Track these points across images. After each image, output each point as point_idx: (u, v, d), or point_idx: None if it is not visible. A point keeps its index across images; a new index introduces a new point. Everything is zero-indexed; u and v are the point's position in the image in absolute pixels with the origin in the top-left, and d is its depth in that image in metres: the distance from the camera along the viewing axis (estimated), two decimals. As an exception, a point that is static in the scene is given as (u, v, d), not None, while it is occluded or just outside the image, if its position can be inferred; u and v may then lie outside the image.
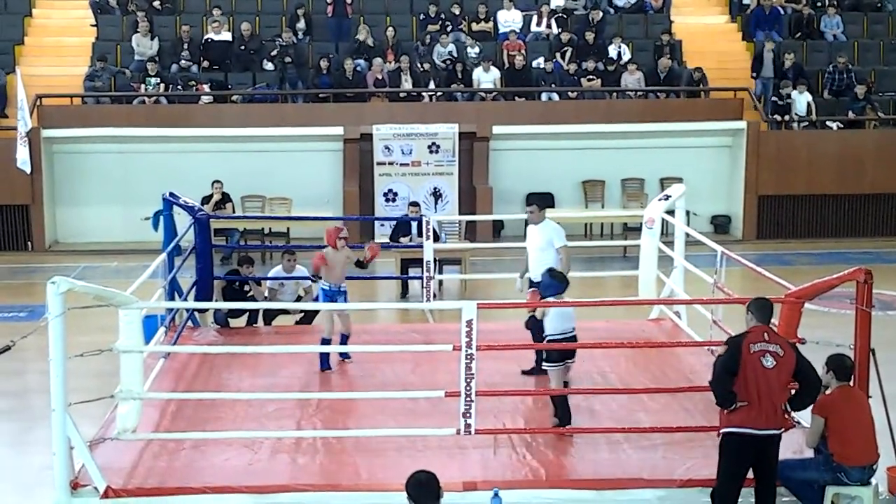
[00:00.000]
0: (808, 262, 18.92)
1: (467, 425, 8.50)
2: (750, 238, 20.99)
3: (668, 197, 12.87)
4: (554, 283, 9.22)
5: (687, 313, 12.13)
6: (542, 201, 10.91)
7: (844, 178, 21.06)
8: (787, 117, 21.47)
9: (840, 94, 21.90)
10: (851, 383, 8.21)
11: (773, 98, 21.54)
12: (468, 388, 8.42)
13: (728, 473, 7.70)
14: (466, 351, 8.36)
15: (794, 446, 8.52)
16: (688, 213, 13.31)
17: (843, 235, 21.08)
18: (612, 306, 13.24)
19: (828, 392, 8.08)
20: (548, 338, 9.21)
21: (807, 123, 21.59)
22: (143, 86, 21.05)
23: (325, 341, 10.80)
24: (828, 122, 21.60)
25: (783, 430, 7.78)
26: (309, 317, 12.83)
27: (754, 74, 22.04)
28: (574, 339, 9.22)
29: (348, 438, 8.93)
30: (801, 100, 21.46)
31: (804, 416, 8.59)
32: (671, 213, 12.79)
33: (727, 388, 7.57)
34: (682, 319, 12.14)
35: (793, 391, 7.87)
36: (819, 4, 24.15)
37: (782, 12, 23.78)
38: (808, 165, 21.04)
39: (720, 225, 21.58)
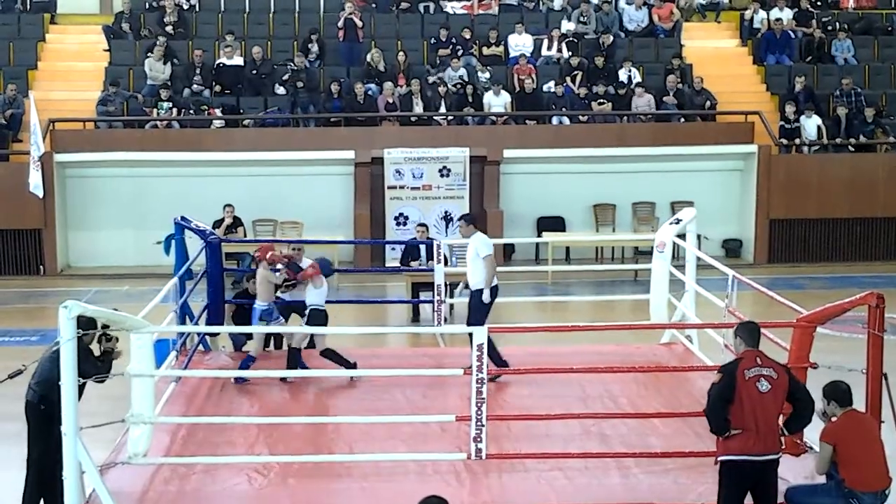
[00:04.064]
0: (820, 287, 18.88)
1: (478, 450, 8.47)
2: (761, 262, 20.96)
3: (679, 220, 12.84)
4: (330, 268, 11.46)
5: (698, 337, 12.10)
6: (470, 217, 11.80)
7: (856, 202, 21.05)
8: (797, 141, 21.46)
9: (850, 117, 21.84)
10: (862, 408, 8.17)
11: (781, 122, 21.55)
12: (479, 413, 8.40)
13: (730, 502, 7.64)
14: (477, 375, 8.35)
15: (805, 472, 8.48)
16: (699, 236, 13.31)
17: (854, 259, 21.05)
18: (623, 330, 13.27)
19: (834, 419, 8.02)
20: (311, 306, 11.05)
21: (818, 147, 21.58)
22: (155, 110, 21.16)
23: (251, 359, 11.18)
24: (839, 140, 21.61)
25: (781, 454, 7.71)
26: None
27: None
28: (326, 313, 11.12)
29: (359, 463, 8.91)
30: (811, 124, 21.45)
31: (816, 441, 8.54)
32: (682, 236, 12.77)
33: (723, 417, 7.51)
34: (694, 344, 12.10)
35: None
36: (830, 28, 24.19)
37: (793, 36, 23.82)
38: (819, 189, 21.04)
39: (731, 249, 21.56)
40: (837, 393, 7.97)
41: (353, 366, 11.01)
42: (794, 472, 8.51)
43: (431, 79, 21.84)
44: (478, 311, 11.17)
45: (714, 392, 7.57)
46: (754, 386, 7.46)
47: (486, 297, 11.19)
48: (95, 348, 8.79)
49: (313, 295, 11.19)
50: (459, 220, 11.94)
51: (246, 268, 18.43)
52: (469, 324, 10.86)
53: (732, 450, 7.53)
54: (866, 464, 7.83)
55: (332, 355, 11.14)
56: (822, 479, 8.14)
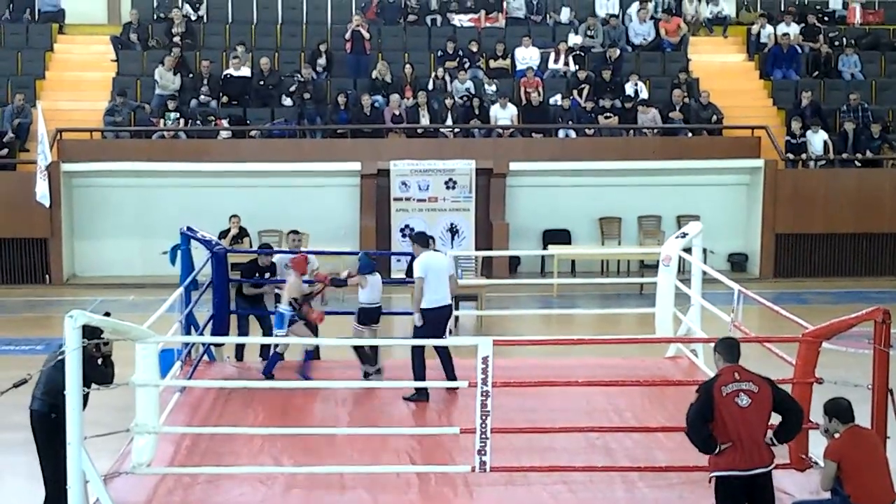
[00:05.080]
0: (826, 301, 18.85)
1: (483, 462, 8.47)
2: (767, 276, 20.94)
3: (685, 234, 12.84)
4: (368, 262, 11.56)
5: (704, 351, 12.08)
6: (417, 236, 11.70)
7: (862, 217, 21.02)
8: (804, 156, 21.45)
9: (857, 132, 21.81)
10: (867, 424, 8.15)
11: (787, 137, 21.54)
12: (484, 425, 8.40)
13: None
14: (482, 388, 8.35)
15: (810, 487, 8.46)
16: (705, 250, 13.33)
17: (860, 274, 21.01)
18: (628, 344, 13.25)
19: (837, 436, 7.99)
20: (361, 305, 11.48)
21: (824, 162, 21.57)
22: (162, 121, 21.20)
23: (310, 354, 11.94)
24: (845, 156, 21.58)
25: (772, 465, 7.65)
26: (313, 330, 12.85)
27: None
28: (379, 309, 11.62)
29: (363, 474, 8.91)
30: (817, 139, 21.45)
31: (821, 457, 8.53)
32: (688, 250, 12.76)
33: (704, 435, 7.47)
34: (699, 358, 12.08)
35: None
36: (837, 43, 24.21)
37: (800, 51, 23.83)
38: (825, 204, 21.02)
39: (737, 263, 21.54)
40: (839, 409, 7.95)
41: (366, 375, 11.44)
42: (800, 486, 8.51)
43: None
44: (419, 331, 11.05)
45: (691, 412, 7.54)
46: (733, 402, 7.41)
47: (416, 319, 11.14)
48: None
49: (362, 294, 11.54)
50: (409, 237, 11.87)
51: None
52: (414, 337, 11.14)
53: (720, 466, 7.50)
54: (871, 479, 7.81)
55: (360, 353, 11.46)
56: (826, 495, 8.12)
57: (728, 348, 7.70)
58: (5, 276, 20.30)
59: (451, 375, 10.91)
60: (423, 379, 10.85)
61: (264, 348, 13.11)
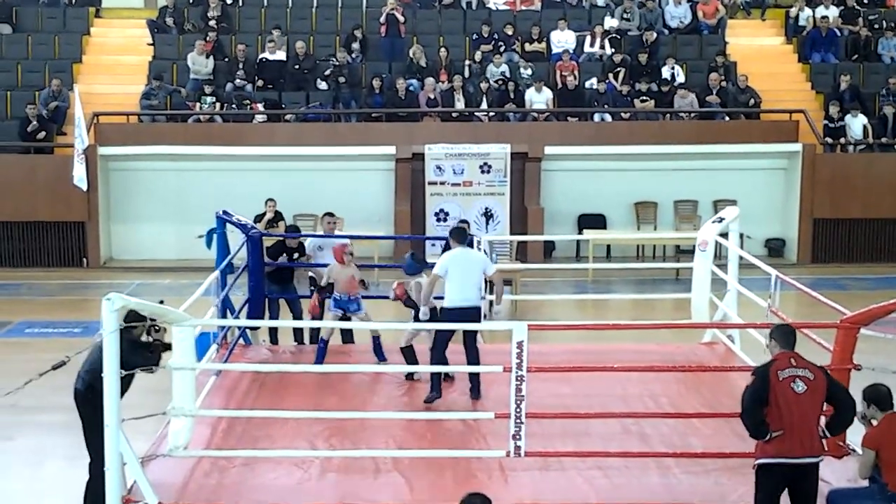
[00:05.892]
0: (864, 287, 18.68)
1: (517, 447, 8.46)
2: (805, 262, 20.78)
3: (721, 219, 12.75)
4: (413, 263, 11.05)
5: (740, 337, 12.01)
6: (454, 232, 10.92)
7: (902, 202, 20.81)
8: (842, 140, 21.25)
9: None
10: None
11: (825, 121, 21.34)
12: (518, 410, 8.39)
13: None
14: (517, 372, 8.34)
15: (848, 474, 8.40)
16: (742, 235, 13.23)
17: (899, 260, 20.82)
18: (664, 329, 13.20)
19: (875, 423, 7.93)
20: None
21: (863, 146, 21.36)
22: (198, 104, 21.28)
23: (325, 342, 11.53)
24: (885, 140, 21.36)
25: (821, 457, 7.59)
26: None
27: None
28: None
29: (398, 458, 8.92)
30: (857, 123, 21.24)
31: (859, 444, 8.46)
32: (725, 235, 12.68)
33: (758, 419, 7.41)
34: (736, 344, 12.01)
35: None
36: (876, 26, 23.94)
37: (839, 34, 23.60)
38: (864, 189, 20.82)
39: (774, 248, 21.39)
40: (878, 396, 7.89)
41: (412, 375, 11.02)
42: (837, 474, 8.45)
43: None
44: (439, 333, 10.38)
45: (747, 395, 7.48)
46: (789, 387, 7.36)
47: (421, 313, 10.71)
48: (145, 339, 8.84)
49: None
50: (449, 232, 11.15)
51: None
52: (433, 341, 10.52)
53: (769, 452, 7.44)
54: (910, 467, 7.74)
55: (407, 354, 10.97)
56: (864, 483, 8.05)
57: (784, 335, 7.65)
58: (43, 259, 20.48)
59: (474, 378, 10.48)
60: (438, 376, 10.46)
61: (297, 332, 13.18)
